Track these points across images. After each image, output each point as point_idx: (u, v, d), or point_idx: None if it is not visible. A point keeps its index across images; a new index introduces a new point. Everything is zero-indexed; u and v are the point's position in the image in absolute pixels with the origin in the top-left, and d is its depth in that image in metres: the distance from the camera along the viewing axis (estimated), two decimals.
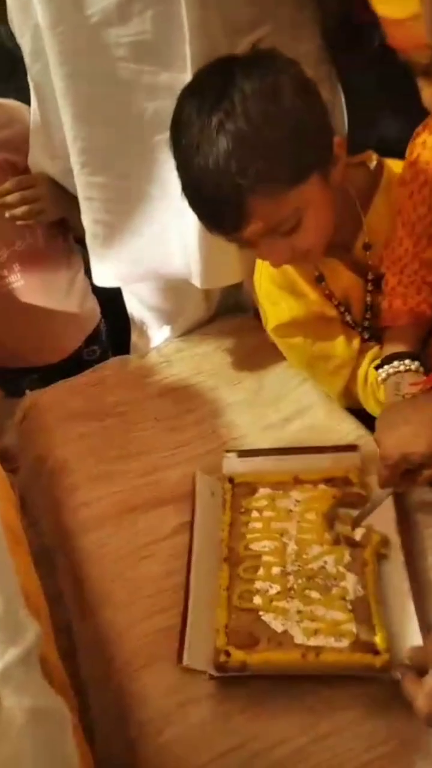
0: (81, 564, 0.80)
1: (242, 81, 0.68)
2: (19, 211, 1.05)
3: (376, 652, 0.64)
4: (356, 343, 0.90)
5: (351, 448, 0.87)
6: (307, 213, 0.73)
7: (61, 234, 1.17)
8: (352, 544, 0.75)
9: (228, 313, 1.17)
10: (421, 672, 0.59)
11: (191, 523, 0.80)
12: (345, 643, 0.66)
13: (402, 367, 0.79)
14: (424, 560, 0.74)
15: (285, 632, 0.68)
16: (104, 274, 1.04)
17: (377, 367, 0.83)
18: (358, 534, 0.75)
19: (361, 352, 0.89)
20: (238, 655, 0.66)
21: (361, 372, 0.89)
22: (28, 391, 1.07)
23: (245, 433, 0.94)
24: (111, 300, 1.21)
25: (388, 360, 0.81)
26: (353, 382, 0.90)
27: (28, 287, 1.14)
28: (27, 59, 0.91)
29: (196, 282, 0.97)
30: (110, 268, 1.02)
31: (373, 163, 0.85)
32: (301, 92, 0.70)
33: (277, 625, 0.68)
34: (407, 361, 0.80)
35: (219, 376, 1.04)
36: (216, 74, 0.72)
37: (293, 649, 0.66)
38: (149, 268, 1.01)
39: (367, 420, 0.90)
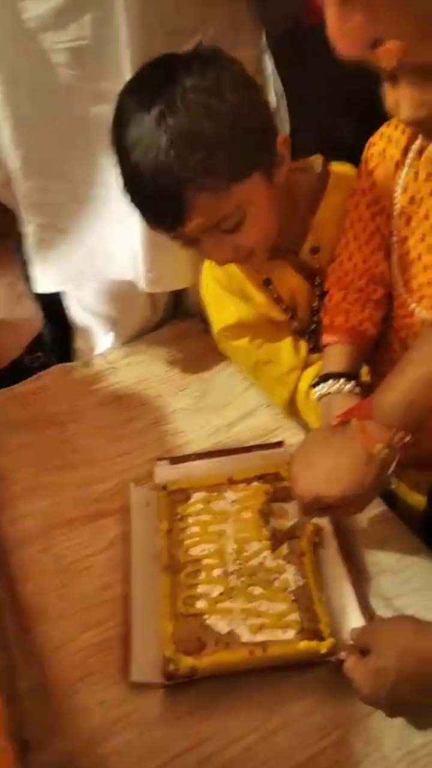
0: (18, 578, 0.77)
1: (183, 76, 0.68)
2: None
3: (321, 638, 0.65)
4: (303, 350, 0.89)
5: (277, 444, 0.88)
6: (249, 211, 0.73)
7: None
8: (289, 537, 0.76)
9: (174, 319, 1.16)
10: (363, 652, 0.61)
11: (129, 536, 0.79)
12: (291, 633, 0.67)
13: (334, 388, 0.75)
14: (357, 549, 0.76)
15: (231, 632, 0.68)
16: (48, 280, 1.01)
17: (313, 385, 0.80)
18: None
19: (306, 365, 0.88)
20: (186, 662, 0.65)
21: (302, 386, 0.88)
22: None
23: (190, 439, 0.93)
24: (55, 306, 1.17)
25: (323, 379, 0.77)
26: (296, 395, 0.90)
27: None
28: None
29: (142, 286, 0.96)
30: (56, 272, 0.99)
31: (320, 167, 0.86)
32: (243, 88, 0.71)
33: (223, 627, 0.68)
34: (342, 381, 0.75)
35: (164, 383, 1.04)
36: (157, 70, 0.71)
37: (240, 647, 0.66)
38: (96, 272, 0.99)
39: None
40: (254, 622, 0.68)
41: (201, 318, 1.09)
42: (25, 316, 1.21)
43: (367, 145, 0.79)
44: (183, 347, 1.10)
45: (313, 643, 0.65)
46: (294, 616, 0.68)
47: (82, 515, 0.83)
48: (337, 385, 0.75)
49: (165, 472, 0.86)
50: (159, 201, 0.72)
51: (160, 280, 0.96)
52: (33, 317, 1.22)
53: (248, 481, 0.83)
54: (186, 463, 0.87)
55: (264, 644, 0.66)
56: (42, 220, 0.95)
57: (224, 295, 0.92)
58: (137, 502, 0.83)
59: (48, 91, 0.83)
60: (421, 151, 0.72)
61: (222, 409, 0.98)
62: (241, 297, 0.90)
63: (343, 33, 0.49)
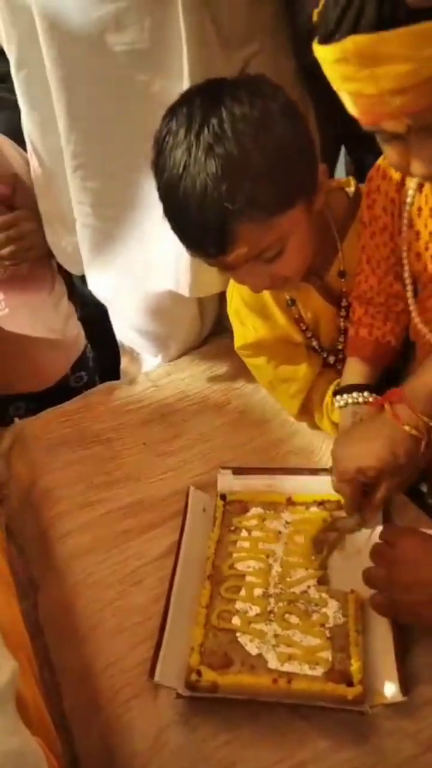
0: (69, 594, 0.78)
1: (231, 104, 0.68)
2: (6, 251, 1.06)
3: (350, 683, 0.62)
4: (317, 366, 0.91)
5: None
6: (290, 241, 0.73)
7: (44, 260, 1.17)
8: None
9: (215, 336, 1.16)
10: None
11: (179, 539, 0.79)
12: (319, 671, 0.64)
13: (361, 399, 0.80)
14: None
15: (259, 656, 0.66)
16: (97, 283, 1.04)
17: (335, 393, 0.84)
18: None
19: (321, 375, 0.91)
20: (209, 675, 0.64)
21: (318, 393, 0.90)
22: (16, 419, 1.06)
23: (234, 456, 0.92)
24: (98, 325, 1.20)
25: (348, 389, 0.81)
26: (310, 402, 0.92)
27: (12, 315, 1.13)
28: (13, 68, 0.92)
29: (184, 291, 0.97)
30: (101, 277, 1.02)
31: (352, 189, 0.84)
32: (290, 119, 0.70)
33: (252, 648, 0.67)
34: (366, 394, 0.80)
35: (206, 400, 1.04)
36: (204, 96, 0.70)
37: (265, 673, 0.64)
38: (137, 279, 1.00)
39: None
40: (284, 650, 0.66)
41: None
42: (71, 335, 1.23)
43: (367, 178, 0.78)
44: (224, 363, 1.10)
45: (341, 687, 0.62)
46: (326, 654, 0.65)
47: (131, 529, 0.84)
48: (362, 397, 0.80)
49: (227, 482, 0.86)
50: (203, 230, 0.71)
51: (201, 285, 0.97)
52: (78, 337, 1.25)
53: (308, 505, 0.81)
54: (248, 476, 0.86)
55: (289, 675, 0.63)
56: (86, 221, 0.97)
57: (246, 313, 0.92)
58: (194, 505, 0.83)
59: (101, 91, 0.85)
60: (420, 187, 0.71)
61: (263, 425, 0.97)
62: (262, 315, 0.91)
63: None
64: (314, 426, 0.94)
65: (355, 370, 0.83)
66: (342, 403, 0.81)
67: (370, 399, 0.79)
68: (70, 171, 0.94)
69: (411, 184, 0.72)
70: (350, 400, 0.81)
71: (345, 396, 0.81)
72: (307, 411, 0.93)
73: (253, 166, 0.67)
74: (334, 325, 0.89)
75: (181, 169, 0.69)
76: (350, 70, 0.51)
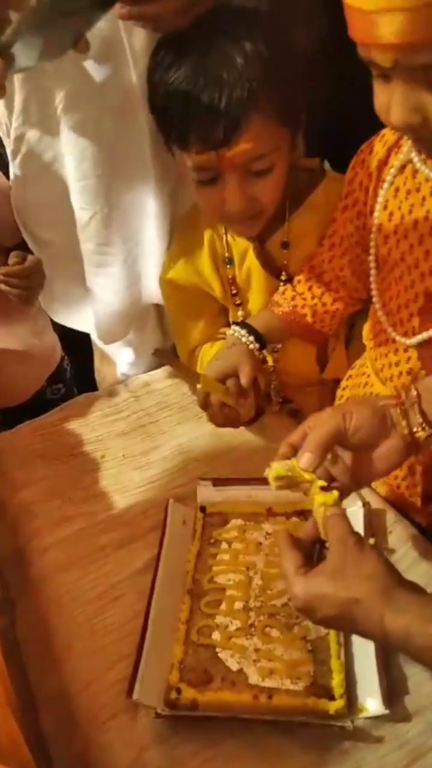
0: (46, 611, 0.76)
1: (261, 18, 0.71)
2: (15, 293, 1.02)
3: (332, 697, 0.61)
4: (212, 332, 0.98)
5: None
6: (277, 164, 0.77)
7: None
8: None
9: None
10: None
11: (158, 553, 0.78)
12: (300, 685, 0.63)
13: (250, 343, 0.85)
14: None
15: (240, 671, 0.65)
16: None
17: (235, 323, 0.88)
18: None
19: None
20: (189, 693, 0.63)
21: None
22: None
23: (214, 467, 0.91)
24: (74, 337, 1.19)
25: (247, 327, 0.86)
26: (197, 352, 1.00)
27: None
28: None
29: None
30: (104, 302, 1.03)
31: (316, 168, 0.88)
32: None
33: (233, 663, 0.66)
34: (253, 340, 0.85)
35: (185, 410, 1.03)
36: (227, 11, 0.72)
37: (246, 689, 0.63)
38: (137, 297, 1.02)
39: None
40: (265, 665, 0.65)
41: None
42: (47, 348, 1.22)
43: (358, 151, 0.79)
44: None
45: (322, 702, 0.61)
46: (307, 668, 0.64)
47: (110, 543, 0.82)
48: (252, 344, 0.85)
49: (206, 493, 0.85)
50: (217, 112, 0.71)
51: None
52: (54, 350, 1.24)
53: (288, 515, 0.80)
54: (228, 487, 0.85)
55: (270, 691, 0.62)
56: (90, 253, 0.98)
57: (179, 248, 0.94)
58: (174, 518, 0.82)
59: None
60: (403, 167, 0.70)
61: (244, 434, 0.96)
62: (188, 256, 0.93)
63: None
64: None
65: (263, 319, 0.88)
66: (235, 334, 0.85)
67: (256, 352, 0.84)
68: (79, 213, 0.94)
69: (395, 162, 0.71)
70: (243, 339, 0.85)
71: (241, 330, 0.85)
72: (194, 357, 1.00)
73: (278, 67, 0.70)
74: (269, 297, 0.91)
75: (204, 57, 0.71)
76: None
